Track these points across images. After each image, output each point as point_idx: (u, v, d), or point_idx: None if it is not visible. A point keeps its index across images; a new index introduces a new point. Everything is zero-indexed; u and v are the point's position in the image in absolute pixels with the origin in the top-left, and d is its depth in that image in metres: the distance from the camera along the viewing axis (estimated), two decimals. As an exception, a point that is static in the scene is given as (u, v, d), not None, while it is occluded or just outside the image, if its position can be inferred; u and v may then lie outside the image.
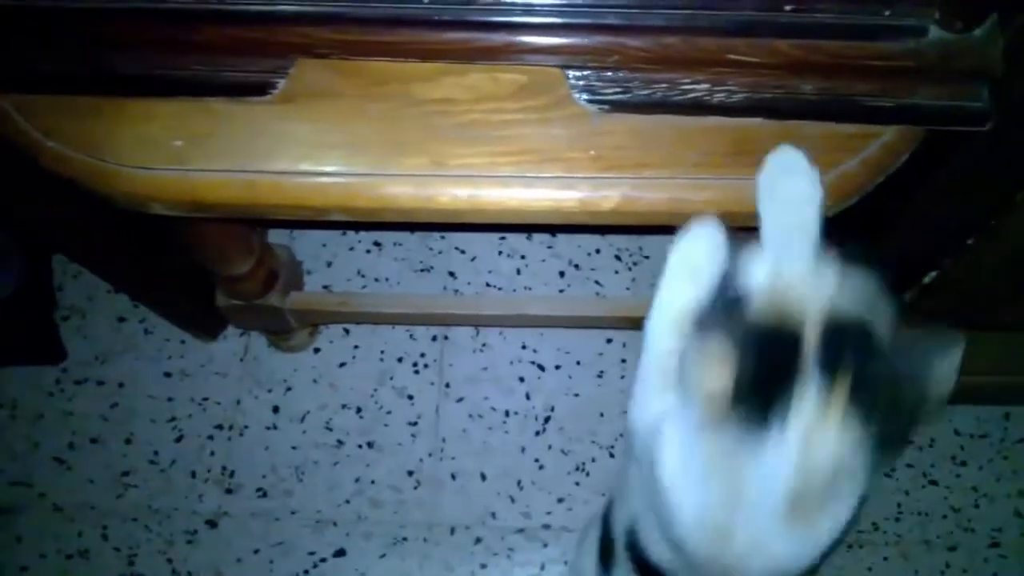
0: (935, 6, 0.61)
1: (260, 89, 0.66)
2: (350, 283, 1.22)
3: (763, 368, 0.49)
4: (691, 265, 0.57)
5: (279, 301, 1.03)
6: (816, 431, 0.48)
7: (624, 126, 0.67)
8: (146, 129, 0.66)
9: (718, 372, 0.49)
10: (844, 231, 0.56)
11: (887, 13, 0.61)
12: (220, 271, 0.98)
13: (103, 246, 0.92)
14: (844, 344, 0.49)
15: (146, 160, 0.65)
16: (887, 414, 0.49)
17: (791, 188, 0.57)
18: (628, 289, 1.19)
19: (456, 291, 1.22)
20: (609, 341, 1.18)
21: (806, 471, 0.49)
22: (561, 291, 1.22)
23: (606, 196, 0.66)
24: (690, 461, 0.53)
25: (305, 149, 0.66)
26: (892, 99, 0.65)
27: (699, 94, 0.65)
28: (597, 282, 1.20)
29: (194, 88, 0.65)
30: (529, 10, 0.62)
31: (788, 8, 0.61)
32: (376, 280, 1.22)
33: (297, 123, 0.66)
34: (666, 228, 0.61)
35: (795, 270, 0.51)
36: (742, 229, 0.57)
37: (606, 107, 0.66)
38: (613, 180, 0.66)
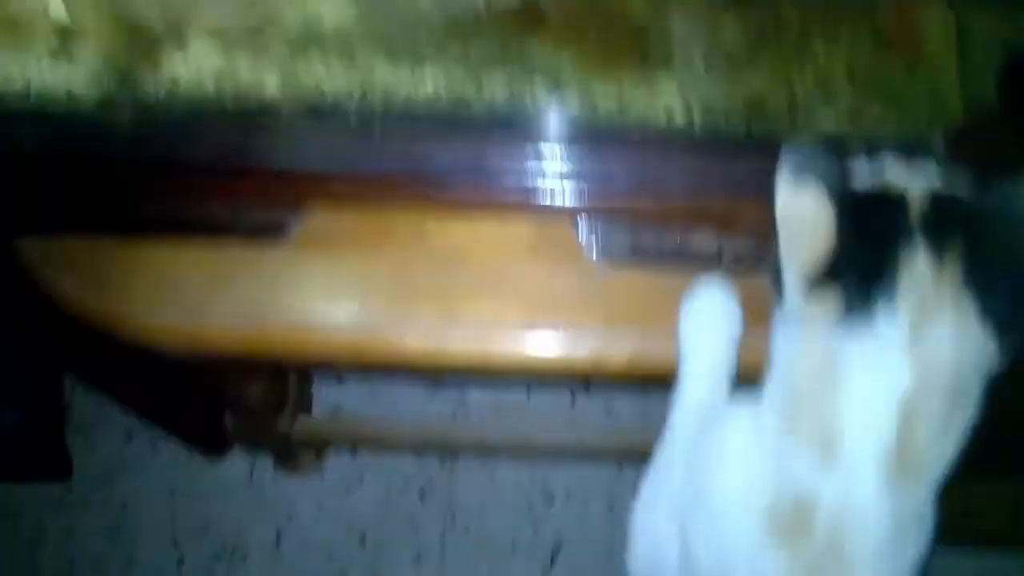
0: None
1: (276, 233, 0.66)
2: (360, 401, 1.21)
3: (866, 228, 0.43)
4: (708, 321, 0.58)
5: (287, 426, 1.03)
6: (930, 313, 0.42)
7: (635, 280, 0.67)
8: (160, 271, 0.66)
9: (816, 228, 0.42)
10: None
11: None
12: (229, 394, 0.98)
13: (111, 372, 0.92)
14: (952, 211, 0.44)
15: (158, 304, 0.66)
16: (1005, 294, 0.42)
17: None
18: (640, 418, 1.17)
19: (466, 412, 1.21)
20: (621, 468, 1.16)
21: (922, 371, 0.41)
22: (572, 413, 1.21)
23: (617, 352, 0.66)
24: (765, 424, 0.47)
25: (317, 297, 0.66)
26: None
27: (710, 249, 0.66)
28: (608, 409, 1.19)
29: (211, 231, 0.66)
30: (540, 167, 0.63)
31: (798, 171, 0.62)
32: (386, 398, 1.22)
33: (311, 269, 0.67)
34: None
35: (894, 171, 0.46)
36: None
37: (616, 261, 0.67)
38: (624, 336, 0.66)
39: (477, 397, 1.22)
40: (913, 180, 0.45)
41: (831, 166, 0.43)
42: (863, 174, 0.45)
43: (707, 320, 0.59)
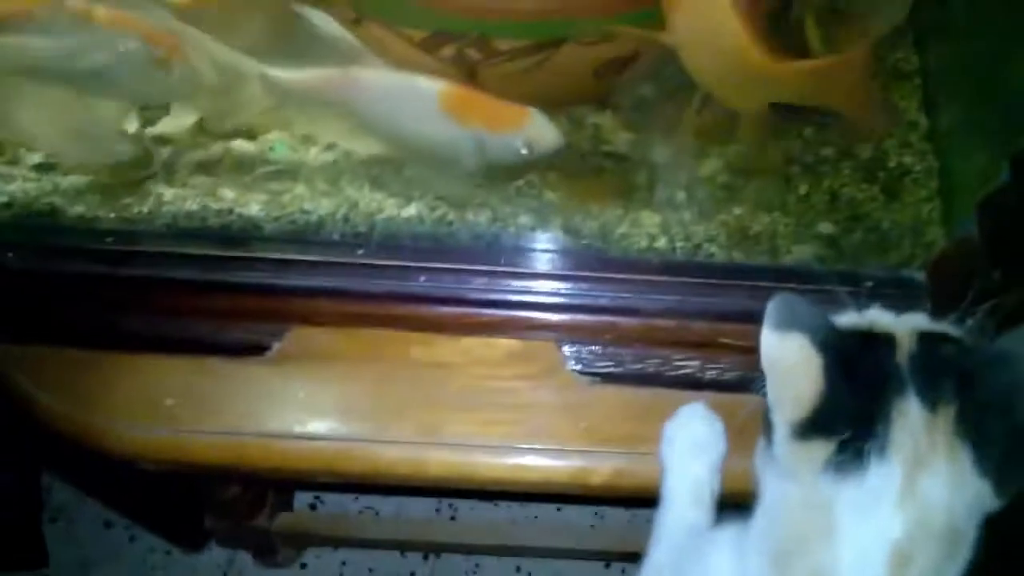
0: (925, 299, 0.63)
1: (258, 350, 0.66)
2: (341, 497, 1.19)
3: (855, 375, 0.42)
4: (692, 446, 0.58)
5: (267, 523, 1.01)
6: (923, 462, 0.41)
7: (617, 398, 0.67)
8: (141, 386, 0.66)
9: (803, 377, 0.42)
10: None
11: (877, 305, 0.62)
12: (208, 494, 0.97)
13: (90, 473, 0.91)
14: (943, 353, 0.43)
15: (137, 418, 0.65)
16: (1001, 441, 0.41)
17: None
18: (628, 521, 1.16)
19: (451, 506, 1.19)
20: (607, 566, 1.14)
21: (916, 519, 0.41)
22: (559, 509, 1.19)
23: (597, 469, 0.65)
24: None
25: (298, 412, 0.65)
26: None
27: (691, 370, 0.65)
28: (596, 512, 1.18)
29: (192, 347, 0.66)
30: (524, 290, 0.63)
31: (778, 298, 0.62)
32: (369, 492, 1.20)
33: (292, 384, 0.66)
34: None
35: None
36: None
37: (598, 379, 0.66)
38: (605, 454, 0.65)
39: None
40: (901, 321, 0.45)
41: (817, 315, 0.43)
42: (850, 316, 0.46)
43: (690, 445, 0.59)
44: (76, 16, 0.55)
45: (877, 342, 0.43)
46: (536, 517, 1.19)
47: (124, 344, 0.67)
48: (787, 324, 0.42)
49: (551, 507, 1.20)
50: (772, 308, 0.43)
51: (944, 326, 0.45)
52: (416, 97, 0.58)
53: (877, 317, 0.46)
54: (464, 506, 1.19)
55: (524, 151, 0.57)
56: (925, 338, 0.43)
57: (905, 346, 0.43)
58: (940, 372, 0.42)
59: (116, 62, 0.56)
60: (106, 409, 0.66)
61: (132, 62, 0.56)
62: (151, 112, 0.68)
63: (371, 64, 0.60)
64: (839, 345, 0.42)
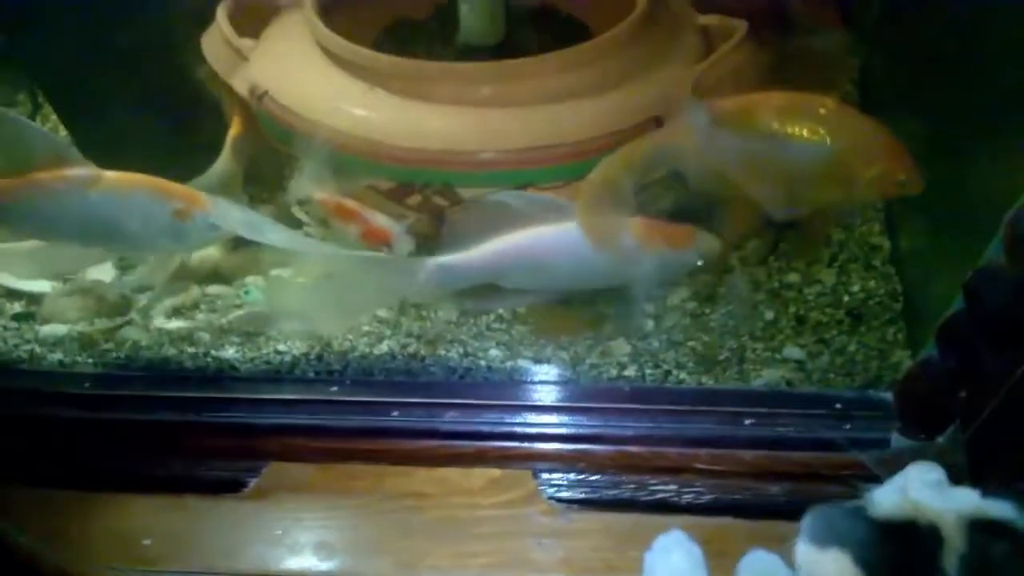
0: (894, 419, 0.63)
1: (233, 487, 0.66)
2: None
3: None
4: (671, 572, 0.56)
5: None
6: None
7: (594, 524, 0.66)
8: (118, 526, 0.66)
9: None
10: None
11: (847, 427, 0.63)
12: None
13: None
14: (995, 558, 0.39)
15: (114, 559, 0.65)
16: None
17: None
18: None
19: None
20: None
21: None
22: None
23: (577, 601, 0.65)
24: None
25: (273, 549, 0.65)
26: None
27: (667, 495, 0.65)
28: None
29: (169, 486, 0.66)
30: (497, 421, 0.64)
31: (748, 422, 0.63)
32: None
33: (268, 520, 0.66)
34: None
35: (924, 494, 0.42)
36: None
37: (575, 506, 0.66)
38: (584, 583, 0.65)
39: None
40: (946, 503, 0.41)
41: (856, 527, 0.42)
42: (892, 498, 0.43)
43: (671, 571, 0.59)
44: (86, 182, 0.57)
45: (922, 543, 0.40)
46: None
47: (103, 485, 0.67)
48: (826, 538, 0.41)
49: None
50: (810, 521, 0.42)
51: (998, 507, 0.41)
52: None
53: (923, 498, 0.42)
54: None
55: (700, 262, 0.60)
56: (976, 531, 0.40)
57: (953, 545, 0.39)
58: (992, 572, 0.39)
59: (134, 220, 0.58)
60: (84, 550, 0.66)
61: (150, 216, 0.58)
62: (128, 260, 0.70)
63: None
64: (880, 556, 0.40)
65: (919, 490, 0.42)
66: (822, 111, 0.57)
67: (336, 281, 0.61)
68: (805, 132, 0.57)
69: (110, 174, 0.57)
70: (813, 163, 0.57)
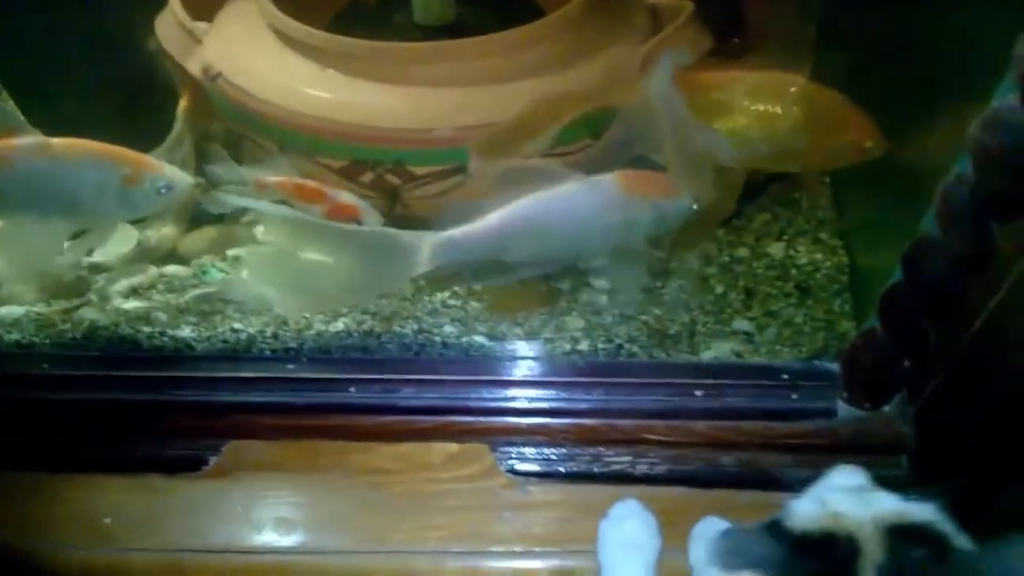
0: (841, 389, 0.65)
1: (194, 465, 0.67)
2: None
3: None
4: (627, 543, 0.58)
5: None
6: None
7: (552, 496, 0.67)
8: (81, 507, 0.66)
9: None
10: None
11: (795, 396, 0.64)
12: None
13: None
14: (913, 565, 0.38)
15: (78, 540, 0.65)
16: None
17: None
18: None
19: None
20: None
21: None
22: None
23: (537, 571, 0.66)
24: None
25: (235, 526, 0.66)
26: (812, 470, 0.66)
27: (622, 466, 0.67)
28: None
29: (129, 466, 0.67)
30: (454, 396, 0.65)
31: (699, 393, 0.64)
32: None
33: (229, 498, 0.67)
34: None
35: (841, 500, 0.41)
36: None
37: (532, 478, 0.68)
38: (543, 554, 0.66)
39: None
40: (864, 510, 0.40)
41: (766, 545, 0.41)
42: (809, 508, 0.42)
43: (625, 545, 0.60)
44: (34, 149, 0.57)
45: (838, 555, 0.39)
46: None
47: (63, 466, 0.67)
48: (735, 562, 0.40)
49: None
50: (719, 545, 0.41)
51: (919, 510, 0.40)
52: (600, 192, 0.59)
53: (841, 507, 0.41)
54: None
55: (695, 206, 0.60)
56: (894, 538, 0.39)
57: (871, 553, 0.38)
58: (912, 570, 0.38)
59: (84, 187, 0.57)
60: (48, 532, 0.66)
61: (99, 183, 0.57)
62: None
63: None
64: (794, 574, 0.39)
65: (838, 499, 0.41)
66: (792, 88, 0.60)
67: (333, 261, 0.59)
68: (779, 108, 0.60)
69: (58, 141, 0.57)
70: (786, 137, 0.60)
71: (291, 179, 0.65)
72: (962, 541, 0.39)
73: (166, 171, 0.59)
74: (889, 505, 0.40)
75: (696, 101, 0.59)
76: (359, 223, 0.64)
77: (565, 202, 0.58)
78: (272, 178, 0.66)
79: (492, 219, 0.57)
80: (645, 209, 0.59)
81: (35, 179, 0.57)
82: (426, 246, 0.56)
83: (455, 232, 0.57)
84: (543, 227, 0.58)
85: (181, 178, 0.59)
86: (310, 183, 0.65)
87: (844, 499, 0.41)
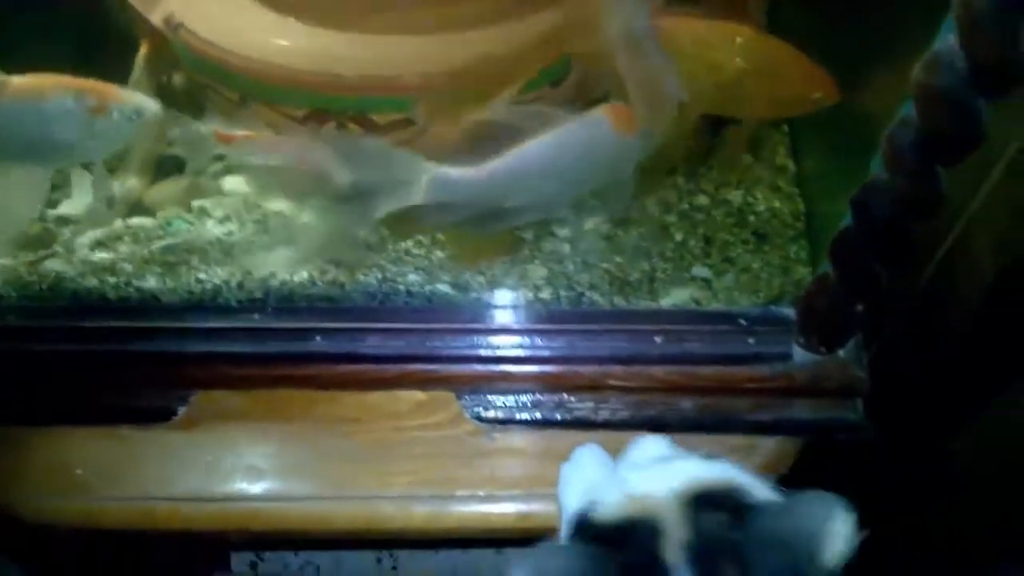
0: (796, 334, 0.66)
1: (163, 416, 0.68)
2: (283, 554, 1.20)
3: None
4: (586, 486, 0.58)
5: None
6: None
7: (517, 442, 0.69)
8: (52, 457, 0.67)
9: None
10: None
11: (751, 341, 0.66)
12: (142, 559, 0.97)
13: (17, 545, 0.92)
14: (717, 535, 0.37)
15: (49, 489, 0.67)
16: None
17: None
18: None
19: (391, 555, 1.20)
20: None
21: None
22: (498, 552, 1.20)
23: (503, 514, 0.68)
24: None
25: (204, 474, 0.67)
26: (770, 414, 0.68)
27: (584, 412, 0.68)
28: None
29: (99, 417, 0.68)
30: (419, 344, 0.66)
31: (658, 340, 0.66)
32: (308, 548, 1.20)
33: (198, 447, 0.68)
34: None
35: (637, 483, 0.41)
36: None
37: (497, 425, 0.69)
38: (508, 497, 0.68)
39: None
40: (669, 485, 0.39)
41: (567, 556, 0.39)
42: (611, 498, 0.41)
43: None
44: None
45: (644, 540, 0.37)
46: (477, 564, 1.20)
47: (33, 418, 0.68)
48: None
49: (490, 551, 1.21)
50: (518, 572, 0.38)
51: (714, 470, 0.40)
52: (594, 129, 0.59)
53: (640, 487, 0.40)
54: (404, 556, 1.20)
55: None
56: (695, 509, 0.37)
57: (675, 535, 0.37)
58: (719, 559, 0.36)
59: (52, 124, 0.57)
60: (19, 482, 0.67)
61: (66, 117, 0.57)
62: (53, 194, 0.71)
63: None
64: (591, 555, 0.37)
65: (637, 479, 0.40)
66: (740, 38, 0.61)
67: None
68: (725, 56, 0.60)
69: (17, 78, 0.56)
70: (731, 85, 0.61)
71: (253, 133, 0.66)
72: (763, 492, 0.38)
73: (133, 97, 0.58)
74: (687, 473, 0.39)
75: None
76: None
77: (561, 143, 0.58)
78: (236, 132, 0.66)
79: (492, 165, 0.57)
80: (634, 142, 0.59)
81: (2, 124, 0.56)
82: (425, 174, 0.56)
83: (454, 172, 0.57)
84: (542, 170, 0.58)
85: (149, 104, 0.59)
86: (271, 136, 0.66)
87: (644, 478, 0.40)
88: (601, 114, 0.59)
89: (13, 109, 0.56)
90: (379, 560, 1.23)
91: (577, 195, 0.64)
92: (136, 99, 0.58)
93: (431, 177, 0.56)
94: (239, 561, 1.20)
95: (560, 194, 0.61)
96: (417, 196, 0.56)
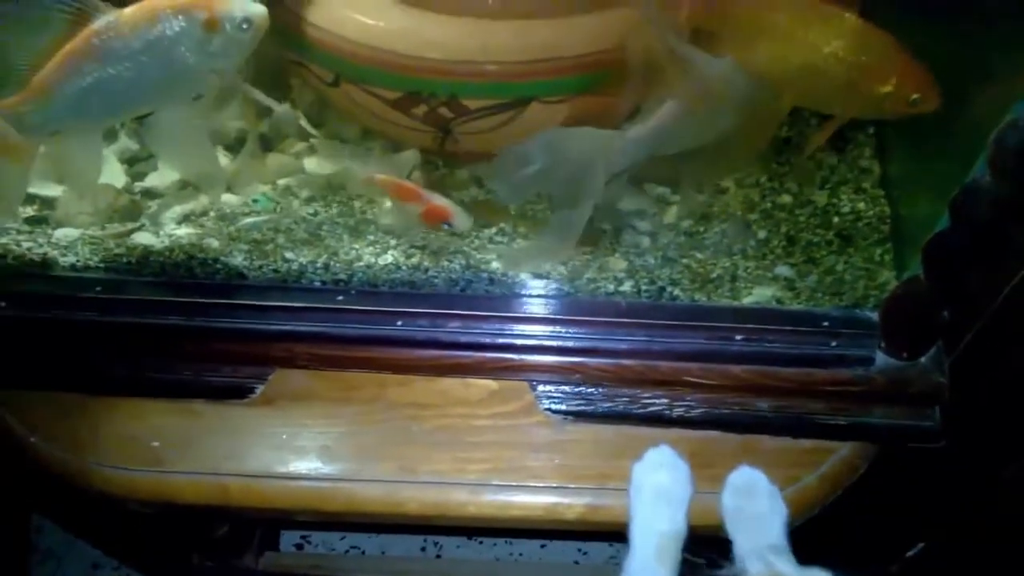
0: (879, 338, 0.65)
1: (240, 393, 0.69)
2: (328, 536, 1.21)
3: None
4: (657, 492, 0.59)
5: (253, 562, 1.02)
6: None
7: (588, 435, 0.69)
8: (128, 429, 0.68)
9: None
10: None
11: (834, 344, 0.65)
12: (195, 532, 0.98)
13: (79, 514, 0.93)
14: None
15: (124, 460, 0.67)
16: None
17: (755, 508, 0.58)
18: (611, 557, 1.17)
19: (436, 544, 1.21)
20: (591, 603, 1.15)
21: None
22: (543, 546, 1.21)
23: (570, 506, 0.68)
24: None
25: (279, 453, 0.68)
26: (846, 418, 0.68)
27: (659, 408, 0.68)
28: (579, 549, 1.19)
29: (178, 391, 0.68)
30: (497, 332, 0.66)
31: (739, 338, 0.65)
32: (354, 531, 1.21)
33: (273, 426, 0.69)
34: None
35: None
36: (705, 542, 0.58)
37: (570, 417, 0.69)
38: (577, 490, 0.68)
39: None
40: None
41: None
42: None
43: (657, 494, 0.61)
44: (112, 30, 0.54)
45: None
46: (520, 555, 1.21)
47: (113, 388, 0.69)
48: None
49: (535, 544, 1.21)
50: None
51: None
52: (730, 73, 0.60)
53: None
54: (449, 544, 1.21)
55: None
56: None
57: None
58: None
59: (170, 51, 0.54)
60: (95, 451, 0.68)
61: (184, 39, 0.54)
62: (139, 167, 0.71)
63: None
64: None
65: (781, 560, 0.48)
66: (840, 22, 0.59)
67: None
68: (819, 40, 0.59)
69: (126, 11, 0.54)
70: (821, 72, 0.59)
71: (393, 179, 0.68)
72: None
73: (237, 4, 0.55)
74: None
75: (740, 21, 0.59)
76: (451, 226, 0.67)
77: (709, 88, 0.60)
78: (378, 176, 0.69)
79: (663, 114, 0.60)
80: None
81: (124, 60, 0.54)
82: (617, 143, 0.60)
83: (637, 130, 0.60)
84: (696, 116, 0.61)
85: (255, 8, 0.56)
86: (408, 184, 0.68)
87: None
88: (730, 60, 0.60)
89: (130, 47, 0.54)
90: (423, 548, 1.24)
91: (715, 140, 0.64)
92: (242, 5, 0.55)
93: (624, 140, 0.60)
94: (286, 541, 1.21)
95: (706, 139, 0.62)
96: (616, 164, 0.61)
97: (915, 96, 0.60)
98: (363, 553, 1.20)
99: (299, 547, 1.20)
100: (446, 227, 0.68)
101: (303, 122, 0.74)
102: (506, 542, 1.21)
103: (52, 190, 0.68)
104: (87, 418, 0.69)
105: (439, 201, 0.67)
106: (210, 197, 0.70)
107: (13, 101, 0.55)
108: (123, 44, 0.54)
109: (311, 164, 0.72)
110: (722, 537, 0.58)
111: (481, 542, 1.21)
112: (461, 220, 0.67)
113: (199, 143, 0.64)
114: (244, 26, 0.55)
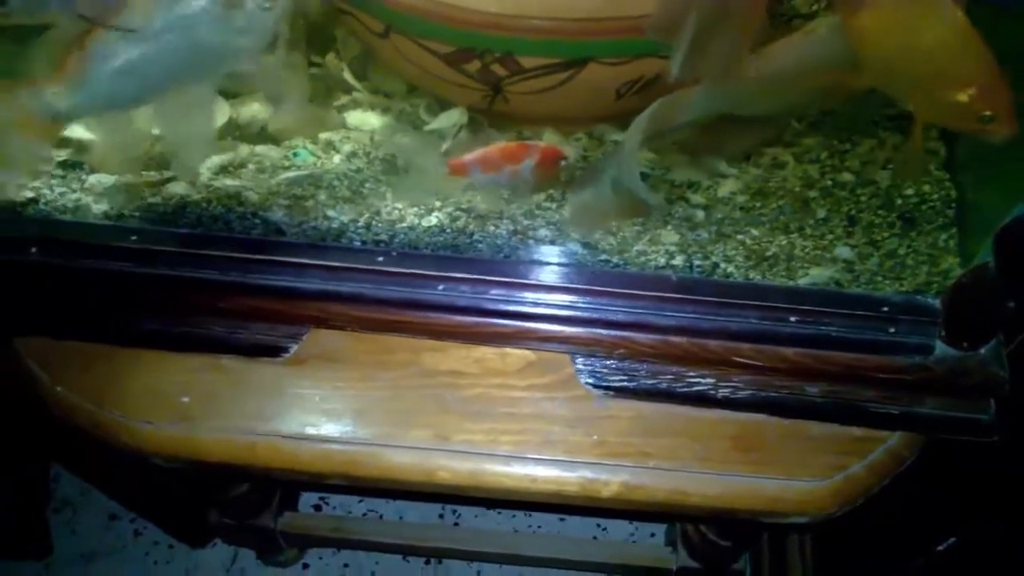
0: (940, 326, 0.63)
1: (273, 351, 0.67)
2: (347, 499, 1.20)
3: None
4: None
5: (272, 522, 1.01)
6: None
7: (628, 412, 0.67)
8: (156, 382, 0.67)
9: None
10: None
11: (892, 330, 0.62)
12: (215, 490, 0.97)
13: (97, 465, 0.92)
14: None
15: (151, 414, 0.66)
16: None
17: None
18: (630, 535, 1.16)
19: (454, 512, 1.20)
20: (608, 578, 1.14)
21: None
22: (562, 520, 1.20)
23: (607, 483, 0.66)
24: None
25: (310, 414, 0.66)
26: (899, 407, 0.65)
27: (704, 387, 0.66)
28: (598, 524, 1.18)
29: (209, 346, 0.66)
30: (540, 302, 0.64)
31: (793, 319, 0.63)
32: (373, 496, 1.21)
33: (305, 386, 0.67)
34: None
35: None
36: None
37: (611, 392, 0.67)
38: (614, 467, 0.66)
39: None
40: None
41: None
42: None
43: None
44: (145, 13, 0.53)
45: None
46: (539, 527, 1.20)
47: (142, 341, 0.67)
48: None
49: (553, 518, 1.20)
50: None
51: None
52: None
53: None
54: (467, 513, 1.20)
55: None
56: None
57: None
58: None
59: (193, 29, 0.54)
60: (121, 404, 0.66)
61: (206, 20, 0.53)
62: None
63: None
64: None
65: None
66: (945, 13, 0.53)
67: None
68: (917, 27, 0.54)
69: None
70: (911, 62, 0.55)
71: (483, 151, 0.63)
72: None
73: None
74: None
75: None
76: (567, 161, 0.64)
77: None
78: (468, 156, 0.63)
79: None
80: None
81: (150, 41, 0.53)
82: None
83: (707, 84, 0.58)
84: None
85: None
86: (506, 145, 0.63)
87: None
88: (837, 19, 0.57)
89: (154, 28, 0.53)
90: (441, 515, 1.23)
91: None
92: None
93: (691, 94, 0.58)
94: (305, 502, 1.20)
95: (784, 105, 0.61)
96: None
97: (988, 113, 0.55)
98: (381, 517, 1.20)
99: (317, 508, 1.20)
100: (564, 163, 0.64)
101: (347, 75, 0.72)
102: (525, 514, 1.20)
103: (86, 133, 0.66)
104: (114, 370, 0.67)
105: (545, 141, 0.63)
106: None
107: (42, 86, 0.55)
108: (147, 25, 0.53)
109: (353, 118, 0.70)
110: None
111: (500, 512, 1.20)
112: (566, 149, 0.64)
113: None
114: (266, 3, 0.54)
